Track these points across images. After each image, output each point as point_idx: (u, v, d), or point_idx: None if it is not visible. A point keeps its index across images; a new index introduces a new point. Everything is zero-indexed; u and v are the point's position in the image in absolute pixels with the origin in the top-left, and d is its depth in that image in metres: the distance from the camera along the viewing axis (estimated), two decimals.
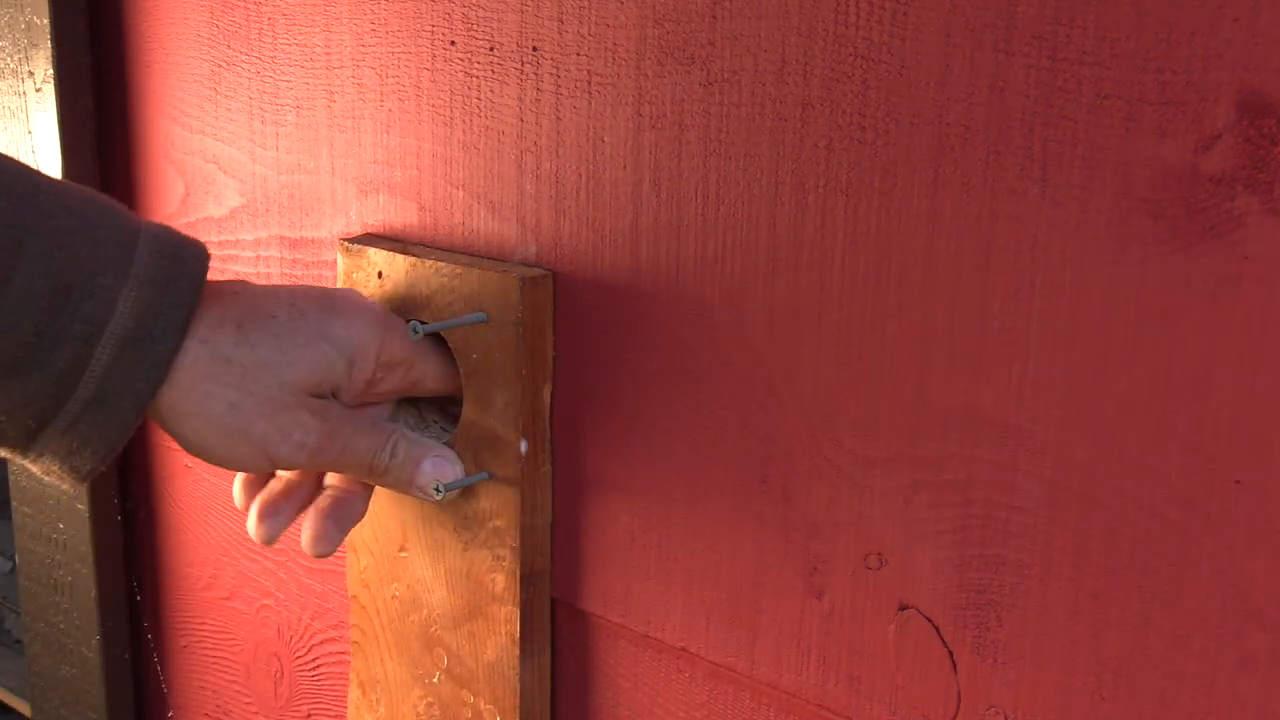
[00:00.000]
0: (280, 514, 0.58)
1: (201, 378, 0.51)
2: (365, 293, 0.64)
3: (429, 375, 0.60)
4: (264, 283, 0.76)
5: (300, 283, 0.74)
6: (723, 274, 0.54)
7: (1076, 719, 0.46)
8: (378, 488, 0.63)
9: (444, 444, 0.60)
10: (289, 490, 0.59)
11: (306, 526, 0.59)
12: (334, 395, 0.56)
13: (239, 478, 0.60)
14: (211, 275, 0.53)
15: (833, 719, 0.53)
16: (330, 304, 0.55)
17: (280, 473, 0.60)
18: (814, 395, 0.51)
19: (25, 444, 0.50)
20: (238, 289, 0.54)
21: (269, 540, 0.58)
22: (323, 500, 0.59)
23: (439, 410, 0.64)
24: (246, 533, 0.84)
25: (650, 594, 0.59)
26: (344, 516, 0.59)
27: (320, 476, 0.60)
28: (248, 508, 0.59)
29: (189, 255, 0.51)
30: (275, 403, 0.52)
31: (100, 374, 0.48)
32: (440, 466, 0.58)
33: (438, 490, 0.58)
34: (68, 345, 0.48)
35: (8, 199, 0.47)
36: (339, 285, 0.66)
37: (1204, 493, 0.42)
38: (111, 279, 0.48)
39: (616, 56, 0.55)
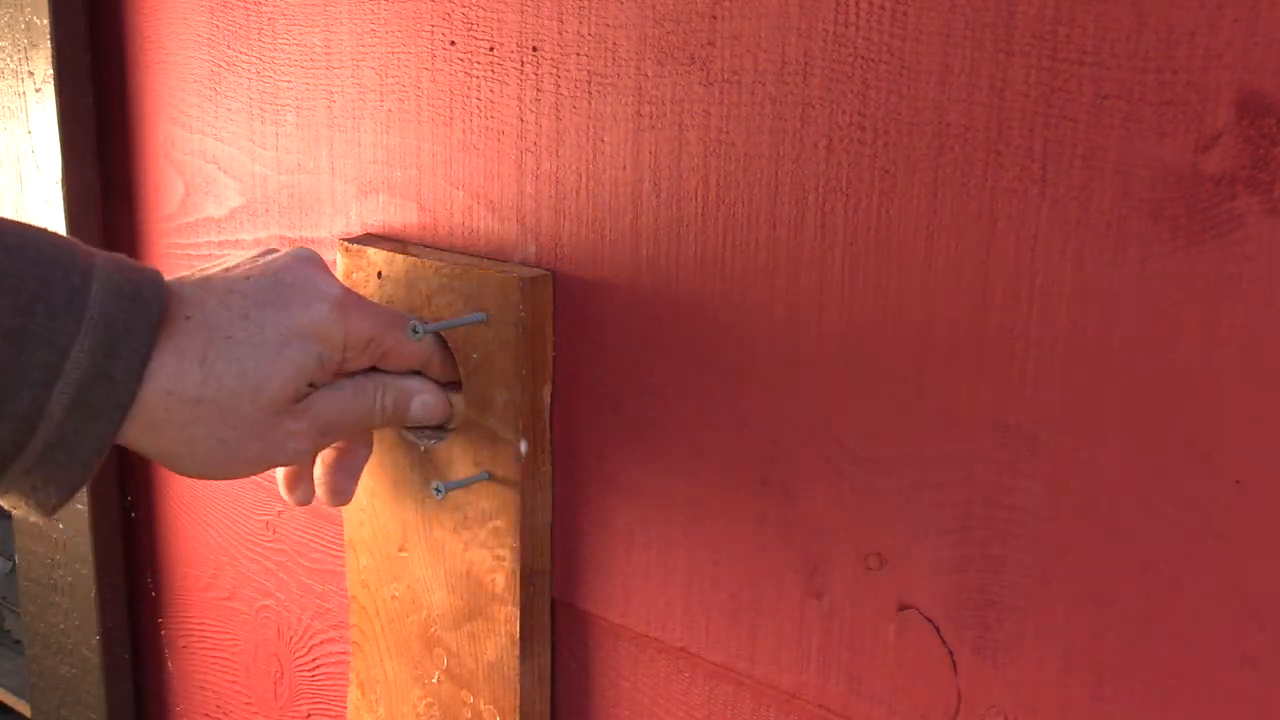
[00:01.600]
0: (348, 479, 0.61)
1: (183, 423, 0.52)
2: (365, 293, 0.64)
3: (396, 346, 0.59)
4: None
5: None
6: (723, 274, 0.53)
7: (1076, 719, 0.46)
8: (376, 482, 0.64)
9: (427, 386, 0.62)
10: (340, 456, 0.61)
11: (320, 484, 0.61)
12: (311, 387, 0.56)
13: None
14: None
15: (833, 719, 0.53)
16: (284, 299, 0.54)
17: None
18: (814, 395, 0.51)
19: None
20: (190, 313, 0.53)
21: (345, 499, 0.61)
22: (327, 455, 0.61)
23: None
24: (246, 533, 0.84)
25: (650, 594, 0.59)
26: (352, 465, 0.61)
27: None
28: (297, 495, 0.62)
29: (145, 291, 0.50)
30: (262, 425, 0.53)
31: (59, 417, 0.48)
32: (428, 406, 0.60)
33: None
34: (25, 391, 0.47)
35: None
36: None
37: (1204, 492, 0.42)
38: (69, 323, 0.48)
39: (616, 56, 0.55)
